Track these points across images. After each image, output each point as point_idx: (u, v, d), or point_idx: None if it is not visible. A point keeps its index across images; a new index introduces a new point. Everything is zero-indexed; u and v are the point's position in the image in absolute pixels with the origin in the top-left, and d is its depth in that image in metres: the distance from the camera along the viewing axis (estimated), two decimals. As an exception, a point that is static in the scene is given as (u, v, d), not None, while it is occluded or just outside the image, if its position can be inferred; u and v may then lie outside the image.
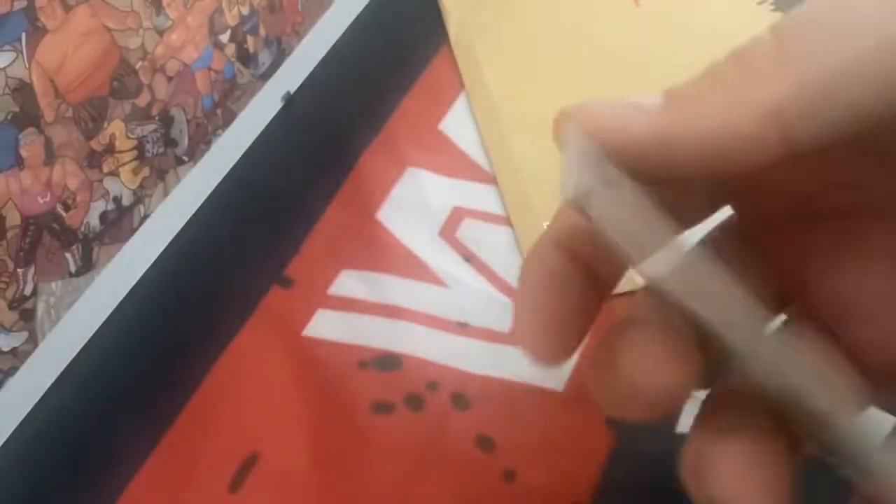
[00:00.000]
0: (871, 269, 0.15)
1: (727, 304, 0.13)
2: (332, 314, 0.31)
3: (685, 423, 0.19)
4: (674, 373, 0.14)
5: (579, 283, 0.15)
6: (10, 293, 0.26)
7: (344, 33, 0.40)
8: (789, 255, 0.17)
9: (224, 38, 0.33)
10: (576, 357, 0.20)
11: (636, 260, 0.13)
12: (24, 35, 0.24)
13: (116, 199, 0.30)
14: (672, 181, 0.14)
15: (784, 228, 0.17)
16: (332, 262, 0.32)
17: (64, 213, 0.28)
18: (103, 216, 0.29)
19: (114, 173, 0.29)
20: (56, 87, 0.26)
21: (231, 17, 0.33)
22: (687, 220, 0.17)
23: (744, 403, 0.16)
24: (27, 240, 0.26)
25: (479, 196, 0.34)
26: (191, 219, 0.33)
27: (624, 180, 0.13)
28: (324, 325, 0.30)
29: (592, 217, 0.14)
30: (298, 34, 0.38)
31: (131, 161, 0.30)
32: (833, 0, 0.12)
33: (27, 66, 0.25)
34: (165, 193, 0.32)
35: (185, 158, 0.33)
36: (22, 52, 0.24)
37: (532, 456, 0.28)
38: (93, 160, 0.28)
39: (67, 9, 0.25)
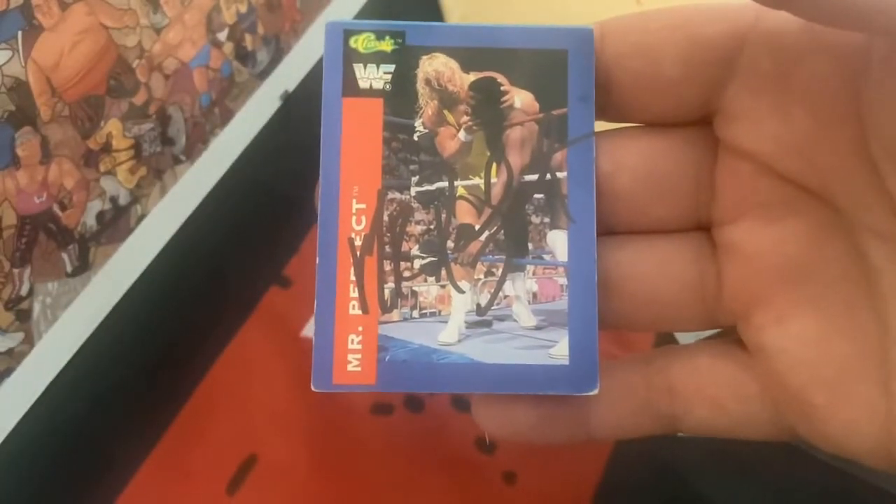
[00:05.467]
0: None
1: None
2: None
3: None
4: None
5: None
6: (5, 293, 0.26)
7: (342, 32, 0.40)
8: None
9: (222, 36, 0.33)
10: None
11: None
12: (20, 33, 0.24)
13: (113, 199, 0.30)
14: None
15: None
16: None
17: (60, 213, 0.27)
18: (100, 216, 0.29)
19: (111, 173, 0.29)
20: (52, 86, 0.26)
21: (229, 16, 0.33)
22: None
23: None
24: (23, 240, 0.26)
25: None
26: (188, 219, 0.33)
27: None
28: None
29: None
30: (297, 32, 0.37)
31: (128, 160, 0.30)
32: None
33: (23, 64, 0.24)
34: (163, 193, 0.32)
35: (183, 157, 0.33)
36: (18, 51, 0.24)
37: (532, 457, 0.28)
38: (89, 159, 0.28)
39: (64, 7, 0.25)
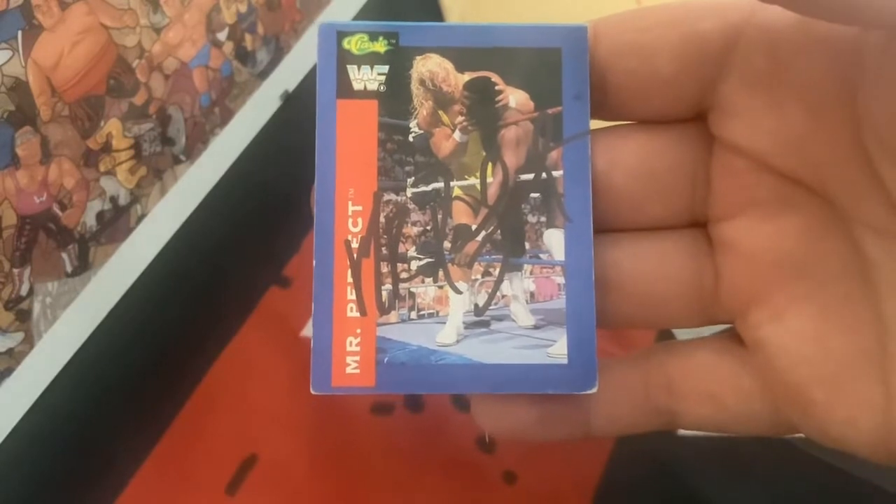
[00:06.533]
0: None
1: None
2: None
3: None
4: None
5: None
6: (5, 293, 0.26)
7: (342, 31, 0.40)
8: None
9: (222, 35, 0.33)
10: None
11: None
12: (20, 33, 0.24)
13: (113, 199, 0.30)
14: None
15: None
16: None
17: (60, 213, 0.27)
18: (100, 216, 0.29)
19: (110, 172, 0.29)
20: (52, 86, 0.26)
21: (229, 15, 0.33)
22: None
23: None
24: (23, 240, 0.26)
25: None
26: (188, 218, 0.33)
27: None
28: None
29: None
30: (297, 32, 0.37)
31: (128, 160, 0.30)
32: None
33: (23, 64, 0.24)
34: (163, 193, 0.32)
35: (183, 157, 0.33)
36: (18, 51, 0.24)
37: (532, 457, 0.28)
38: (89, 159, 0.28)
39: (64, 7, 0.25)
